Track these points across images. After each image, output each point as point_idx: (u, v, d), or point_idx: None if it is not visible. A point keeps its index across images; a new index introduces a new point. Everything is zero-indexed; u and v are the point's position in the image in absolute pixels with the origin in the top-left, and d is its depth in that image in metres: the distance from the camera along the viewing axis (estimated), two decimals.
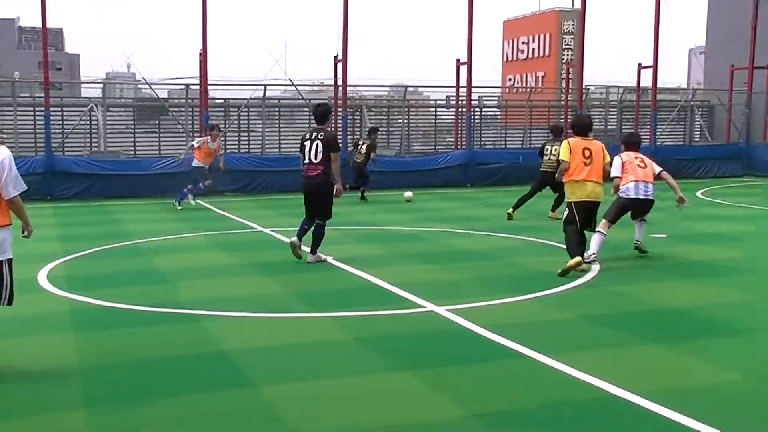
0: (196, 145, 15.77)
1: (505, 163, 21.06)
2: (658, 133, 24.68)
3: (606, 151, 9.18)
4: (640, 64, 24.31)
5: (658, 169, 9.77)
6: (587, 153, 8.91)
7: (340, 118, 20.03)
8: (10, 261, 5.29)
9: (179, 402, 4.81)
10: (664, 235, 11.57)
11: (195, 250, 10.68)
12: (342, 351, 5.89)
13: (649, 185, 9.63)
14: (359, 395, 4.93)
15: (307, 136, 9.35)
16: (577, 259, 8.51)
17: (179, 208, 15.17)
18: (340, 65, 20.28)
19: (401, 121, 24.72)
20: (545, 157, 14.03)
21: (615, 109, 27.53)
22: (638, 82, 24.99)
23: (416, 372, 5.34)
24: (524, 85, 40.34)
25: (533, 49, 40.69)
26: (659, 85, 24.53)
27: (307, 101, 22.72)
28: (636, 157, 9.76)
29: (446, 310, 7.01)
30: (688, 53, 46.05)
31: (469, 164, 21.02)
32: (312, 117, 10.77)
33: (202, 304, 7.22)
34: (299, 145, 9.51)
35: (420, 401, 4.83)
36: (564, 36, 38.80)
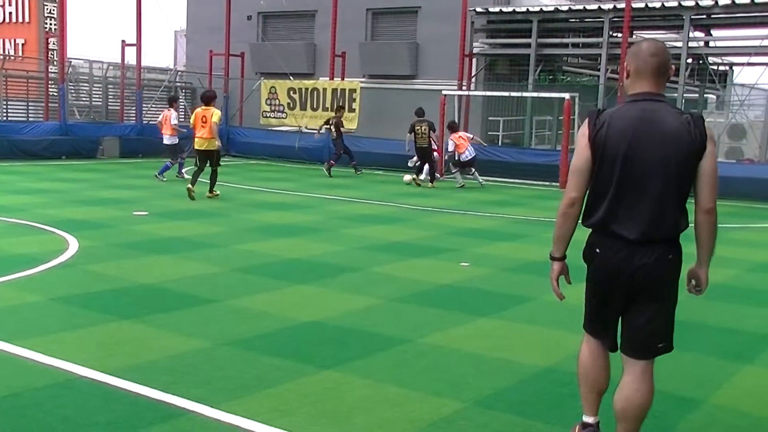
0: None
1: None
2: (144, 111, 24.99)
3: (216, 114, 13.90)
4: (123, 41, 24.31)
5: (469, 136, 18.42)
6: (204, 119, 13.87)
7: None
8: None
9: None
10: (145, 213, 11.85)
11: None
12: None
13: (470, 149, 17.88)
14: None
15: None
16: (189, 186, 13.63)
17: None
18: None
19: None
20: (417, 135, 17.74)
21: (100, 85, 27.07)
22: (123, 59, 25.00)
23: None
24: (1, 52, 37.12)
25: (10, 13, 37.58)
26: (147, 64, 24.80)
27: None
28: (460, 137, 17.88)
29: None
30: (174, 35, 47.23)
31: None
32: None
33: None
34: None
35: None
36: (45, 3, 36.64)
